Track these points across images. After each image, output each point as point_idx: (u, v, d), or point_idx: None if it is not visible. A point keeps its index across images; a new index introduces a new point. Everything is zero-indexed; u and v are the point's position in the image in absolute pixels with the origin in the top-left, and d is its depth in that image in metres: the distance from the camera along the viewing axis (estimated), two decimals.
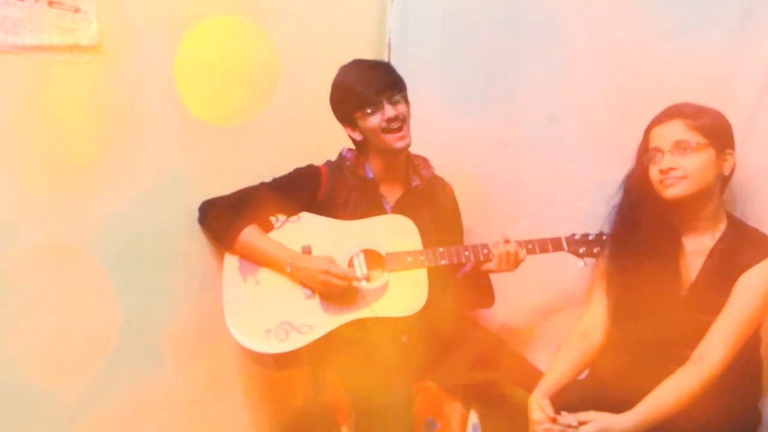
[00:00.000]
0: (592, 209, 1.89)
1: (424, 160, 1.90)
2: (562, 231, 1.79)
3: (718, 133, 1.51)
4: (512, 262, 1.72)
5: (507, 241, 1.73)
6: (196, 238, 1.82)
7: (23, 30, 1.42)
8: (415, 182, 1.85)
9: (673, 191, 1.49)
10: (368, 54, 1.85)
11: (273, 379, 2.03)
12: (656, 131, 1.55)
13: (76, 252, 1.56)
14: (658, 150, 1.52)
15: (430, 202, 1.86)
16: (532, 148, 2.04)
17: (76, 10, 1.50)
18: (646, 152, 1.56)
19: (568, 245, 1.76)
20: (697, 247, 1.55)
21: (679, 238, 1.56)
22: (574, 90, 1.96)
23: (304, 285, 1.73)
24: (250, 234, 1.75)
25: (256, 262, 1.77)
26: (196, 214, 1.81)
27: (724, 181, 1.56)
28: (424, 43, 2.21)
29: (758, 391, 1.57)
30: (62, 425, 1.56)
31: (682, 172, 1.48)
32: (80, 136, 1.55)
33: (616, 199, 1.64)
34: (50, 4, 1.45)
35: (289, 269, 1.71)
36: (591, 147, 1.93)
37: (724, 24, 1.74)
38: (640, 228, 1.56)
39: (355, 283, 1.71)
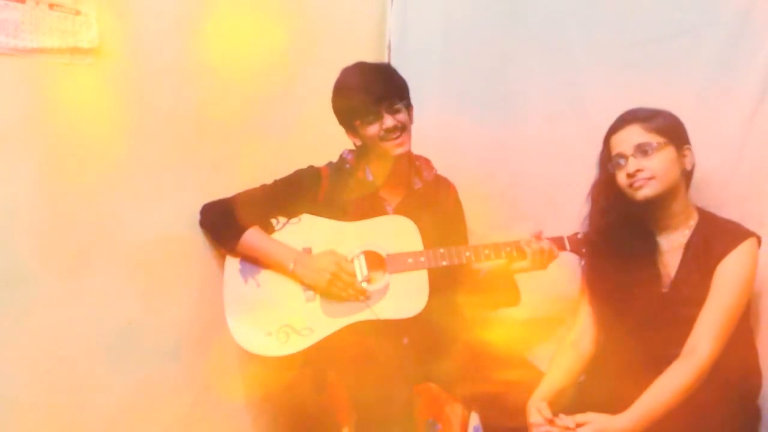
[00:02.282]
0: None
1: (427, 162, 1.89)
2: (563, 231, 1.79)
3: (674, 132, 1.56)
4: (546, 260, 1.72)
5: (540, 238, 1.72)
6: (197, 240, 1.83)
7: (24, 33, 1.42)
8: (417, 185, 1.85)
9: (643, 192, 1.53)
10: (369, 56, 1.84)
11: (273, 381, 2.02)
12: (615, 138, 1.59)
13: (78, 254, 1.56)
14: (621, 156, 1.56)
15: (431, 204, 1.85)
16: (532, 149, 2.04)
17: (77, 13, 1.50)
18: (609, 160, 1.60)
19: (570, 244, 1.75)
20: (673, 245, 1.58)
21: (654, 238, 1.60)
22: (574, 91, 1.96)
23: (306, 284, 1.73)
24: (252, 235, 1.75)
25: (258, 263, 1.77)
26: (195, 215, 1.81)
27: (687, 176, 1.59)
28: (424, 44, 2.22)
29: (756, 387, 1.57)
30: (64, 427, 1.56)
31: (648, 173, 1.52)
32: (81, 139, 1.55)
33: (585, 211, 1.68)
34: (51, 7, 1.46)
35: (292, 265, 1.70)
36: (591, 147, 1.90)
37: (724, 24, 1.74)
38: (614, 234, 1.60)
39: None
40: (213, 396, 1.90)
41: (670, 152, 1.54)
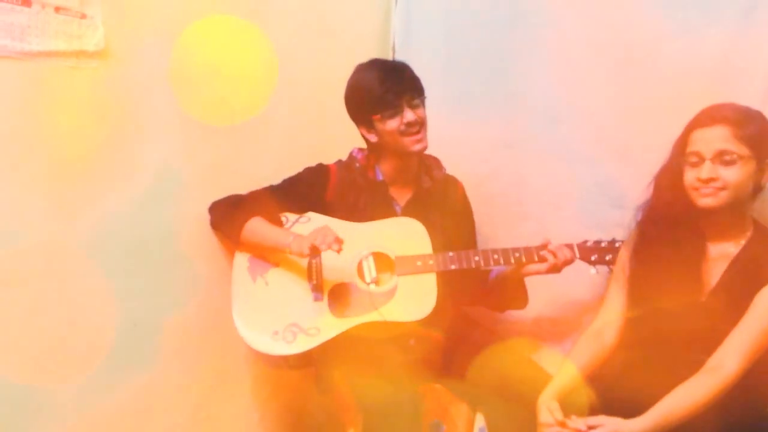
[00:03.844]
0: (596, 209, 1.90)
1: (436, 161, 1.89)
2: (567, 231, 1.79)
3: (762, 143, 1.43)
4: (561, 264, 1.71)
5: (547, 245, 1.72)
6: (199, 240, 1.83)
7: (30, 36, 1.42)
8: (427, 184, 1.84)
9: (707, 201, 1.43)
10: (373, 56, 1.84)
11: (279, 381, 2.03)
12: (698, 135, 1.46)
13: (81, 255, 1.57)
14: (697, 155, 1.44)
15: (440, 203, 1.85)
16: (535, 149, 2.04)
17: (83, 17, 1.50)
18: (682, 154, 1.48)
19: (580, 252, 1.74)
20: (721, 254, 1.50)
21: (704, 243, 1.51)
22: (578, 90, 1.96)
23: (308, 275, 1.70)
24: (254, 223, 1.75)
25: (262, 250, 1.76)
26: (200, 216, 1.81)
27: (758, 191, 1.49)
28: (427, 44, 2.21)
29: (766, 396, 1.54)
30: (67, 428, 1.56)
31: (721, 183, 1.41)
32: (86, 141, 1.55)
33: (647, 194, 1.59)
34: (57, 10, 1.46)
35: (291, 238, 1.67)
36: (594, 147, 1.93)
37: (727, 23, 1.74)
38: (667, 227, 1.52)
39: (363, 287, 1.72)
40: (218, 396, 1.90)
41: (751, 166, 1.42)
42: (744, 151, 1.41)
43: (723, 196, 1.42)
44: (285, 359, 1.70)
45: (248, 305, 1.73)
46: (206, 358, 1.86)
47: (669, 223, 1.52)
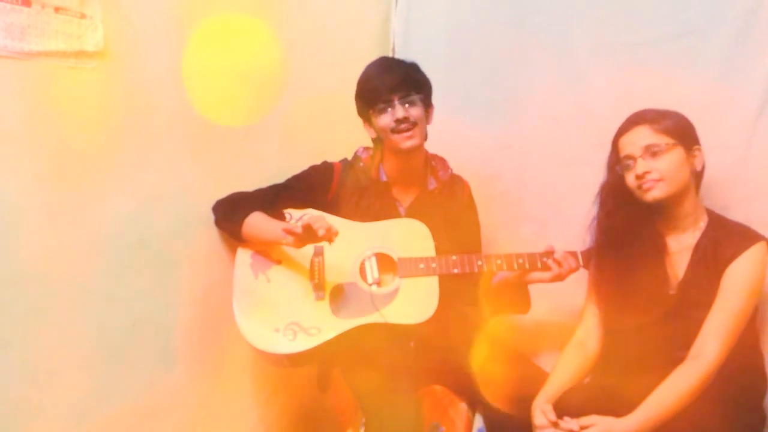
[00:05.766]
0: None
1: (442, 161, 1.88)
2: (567, 233, 1.78)
3: (683, 132, 1.55)
4: (566, 272, 1.70)
5: (552, 252, 1.71)
6: (202, 241, 1.83)
7: (30, 36, 1.42)
8: (432, 185, 1.84)
9: (652, 194, 1.52)
10: (373, 57, 1.84)
11: (280, 380, 2.03)
12: (624, 140, 1.57)
13: (84, 255, 1.57)
14: (629, 157, 1.55)
15: (445, 205, 1.85)
16: (536, 150, 2.04)
17: (82, 17, 1.50)
18: (618, 162, 1.59)
19: (584, 260, 1.72)
20: (681, 246, 1.57)
21: (663, 239, 1.58)
22: (579, 91, 1.96)
23: (310, 274, 1.71)
24: (254, 217, 1.75)
25: (263, 245, 1.76)
26: (203, 216, 1.81)
27: (697, 177, 1.58)
28: (428, 45, 2.21)
29: (762, 390, 1.57)
30: (69, 427, 1.56)
31: (657, 174, 1.51)
32: (87, 141, 1.55)
33: (594, 212, 1.66)
34: (56, 10, 1.46)
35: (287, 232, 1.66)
36: (596, 149, 1.89)
37: (730, 24, 1.74)
38: (623, 235, 1.58)
39: (365, 288, 1.71)
40: (218, 395, 1.90)
41: (679, 153, 1.52)
42: (666, 140, 1.52)
43: (663, 186, 1.52)
44: (285, 357, 1.69)
45: (249, 301, 1.72)
46: (207, 358, 1.86)
47: (623, 231, 1.59)
